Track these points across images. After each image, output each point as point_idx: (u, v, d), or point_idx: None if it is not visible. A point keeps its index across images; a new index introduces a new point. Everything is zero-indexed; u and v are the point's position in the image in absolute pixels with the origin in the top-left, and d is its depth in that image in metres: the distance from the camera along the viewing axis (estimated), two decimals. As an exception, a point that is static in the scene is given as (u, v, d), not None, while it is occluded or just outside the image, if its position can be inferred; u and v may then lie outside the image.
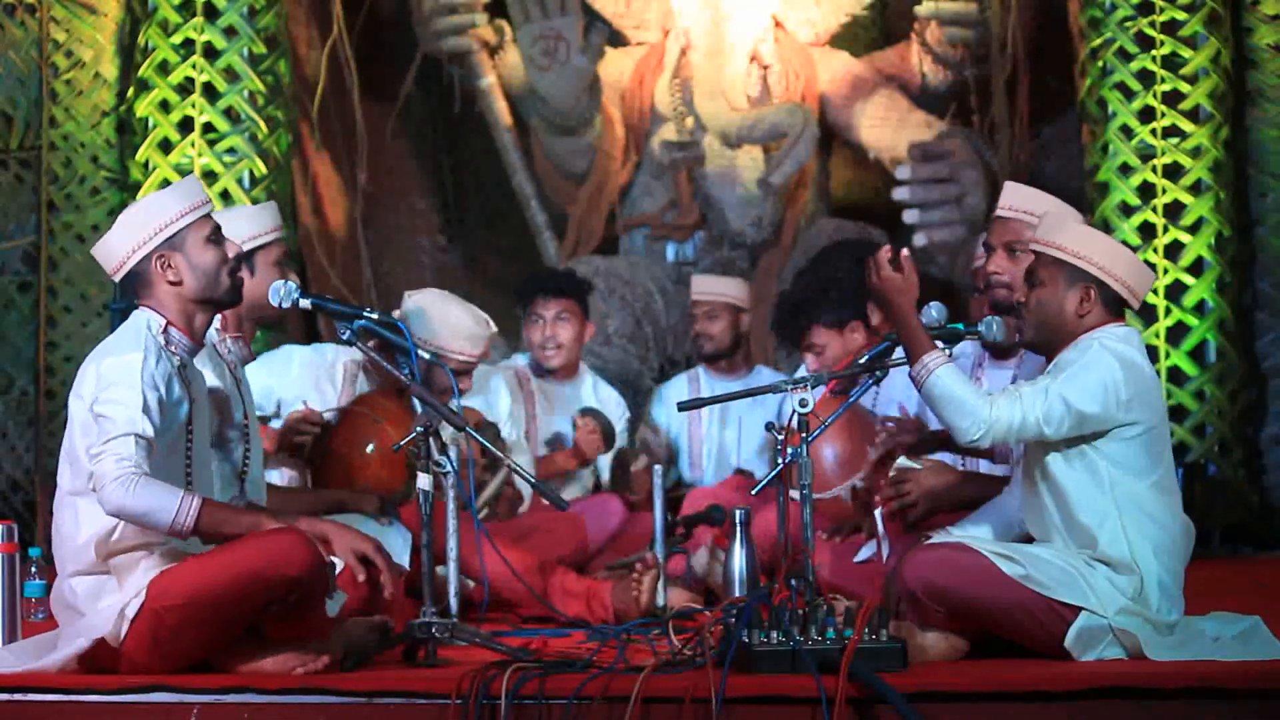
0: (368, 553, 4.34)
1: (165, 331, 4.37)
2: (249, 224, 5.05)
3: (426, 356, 5.12)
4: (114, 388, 4.20)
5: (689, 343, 8.79)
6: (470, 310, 6.09)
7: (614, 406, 7.37)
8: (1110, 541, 4.37)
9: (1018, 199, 4.93)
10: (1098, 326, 4.46)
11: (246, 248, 4.85)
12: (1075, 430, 4.37)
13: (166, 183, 8.00)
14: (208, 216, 4.45)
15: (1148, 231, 8.08)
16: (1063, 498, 4.43)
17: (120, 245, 4.40)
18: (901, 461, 5.12)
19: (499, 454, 5.02)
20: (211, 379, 4.74)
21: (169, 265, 4.38)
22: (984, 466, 5.27)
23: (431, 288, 6.29)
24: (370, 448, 5.49)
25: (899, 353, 4.84)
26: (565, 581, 5.55)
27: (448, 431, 4.99)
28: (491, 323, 6.16)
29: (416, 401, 4.63)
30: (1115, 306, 4.49)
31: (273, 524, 4.28)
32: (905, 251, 4.55)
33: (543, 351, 7.20)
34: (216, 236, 4.45)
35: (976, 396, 4.39)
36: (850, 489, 5.95)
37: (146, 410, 4.18)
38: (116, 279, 4.47)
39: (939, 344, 4.69)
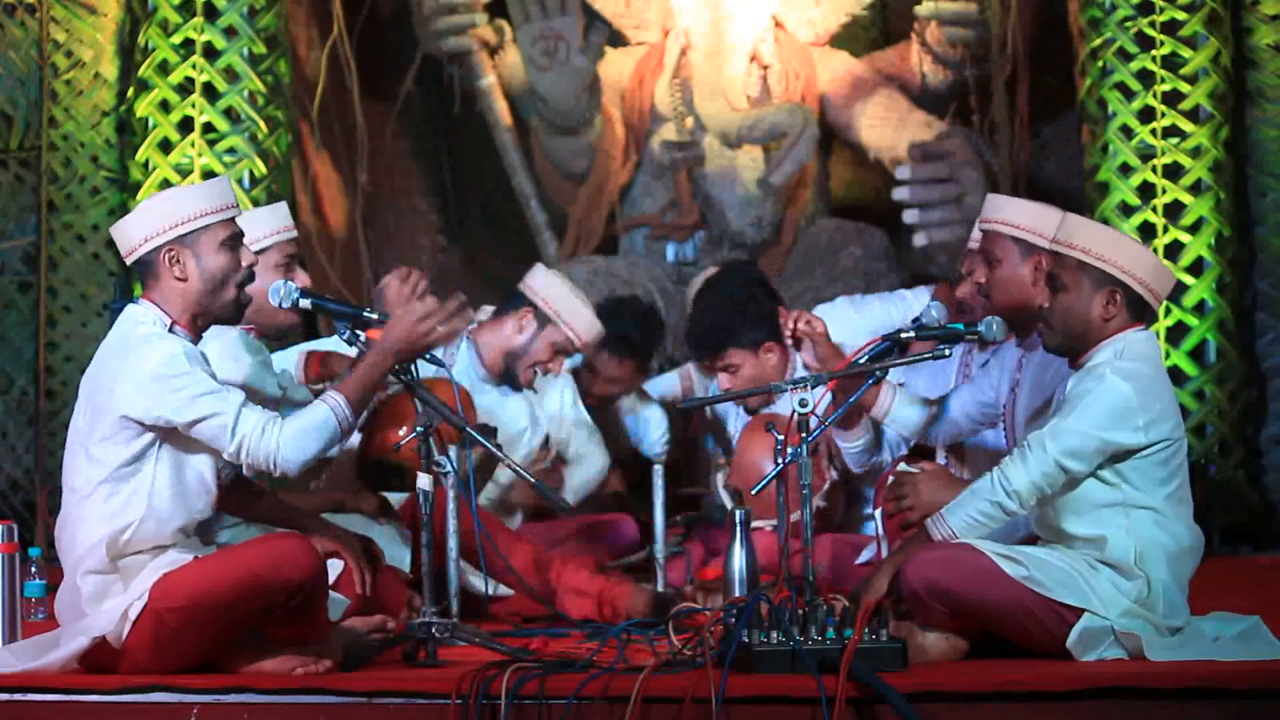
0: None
1: (170, 331, 4.35)
2: (246, 228, 4.99)
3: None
4: (174, 386, 4.23)
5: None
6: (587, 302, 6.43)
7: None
8: (1118, 547, 4.36)
9: (991, 211, 4.94)
10: (1122, 330, 4.43)
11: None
12: (1101, 457, 4.37)
13: (167, 183, 8.02)
14: (230, 221, 4.41)
15: (1148, 231, 8.07)
16: (1074, 504, 4.42)
17: (135, 231, 4.39)
18: (901, 467, 5.12)
19: (499, 454, 5.01)
20: (232, 368, 4.75)
21: (176, 261, 4.35)
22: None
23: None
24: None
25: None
26: (576, 580, 5.44)
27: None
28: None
29: (417, 401, 4.61)
30: (1138, 309, 4.46)
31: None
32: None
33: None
34: (233, 243, 4.41)
35: (986, 488, 4.39)
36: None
37: (215, 378, 4.28)
38: (128, 262, 4.45)
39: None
